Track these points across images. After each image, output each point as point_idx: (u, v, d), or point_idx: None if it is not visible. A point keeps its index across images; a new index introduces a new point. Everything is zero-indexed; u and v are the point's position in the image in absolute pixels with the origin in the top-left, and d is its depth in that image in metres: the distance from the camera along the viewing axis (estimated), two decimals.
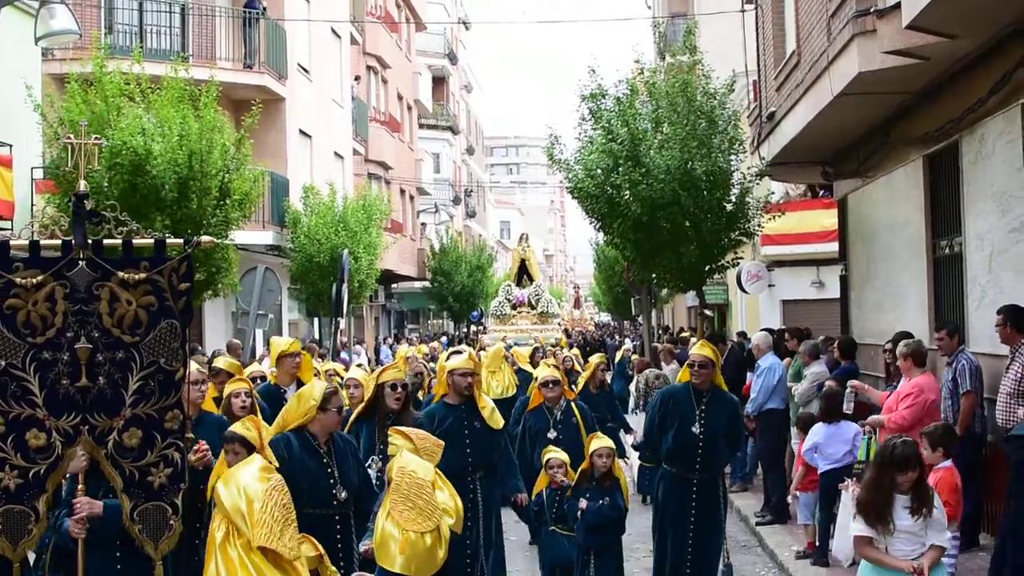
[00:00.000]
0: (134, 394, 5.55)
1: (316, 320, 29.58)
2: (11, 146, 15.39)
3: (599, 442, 8.53)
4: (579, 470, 8.54)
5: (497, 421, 8.89)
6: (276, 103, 24.76)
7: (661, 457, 8.99)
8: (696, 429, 8.66)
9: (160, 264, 5.58)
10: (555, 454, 8.79)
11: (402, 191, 42.20)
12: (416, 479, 5.79)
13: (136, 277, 5.51)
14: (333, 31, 31.22)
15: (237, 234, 17.62)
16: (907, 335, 11.76)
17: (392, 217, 33.21)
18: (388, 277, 36.19)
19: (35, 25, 12.51)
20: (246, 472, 4.78)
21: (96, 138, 6.10)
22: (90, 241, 5.56)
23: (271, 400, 9.74)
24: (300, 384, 9.78)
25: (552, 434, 9.78)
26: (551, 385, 9.98)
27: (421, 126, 49.81)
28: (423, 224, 48.34)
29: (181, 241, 5.76)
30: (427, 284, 45.02)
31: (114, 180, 15.03)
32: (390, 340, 36.02)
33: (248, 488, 4.57)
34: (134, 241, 5.65)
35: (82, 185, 5.76)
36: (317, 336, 28.51)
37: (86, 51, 17.20)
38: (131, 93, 15.86)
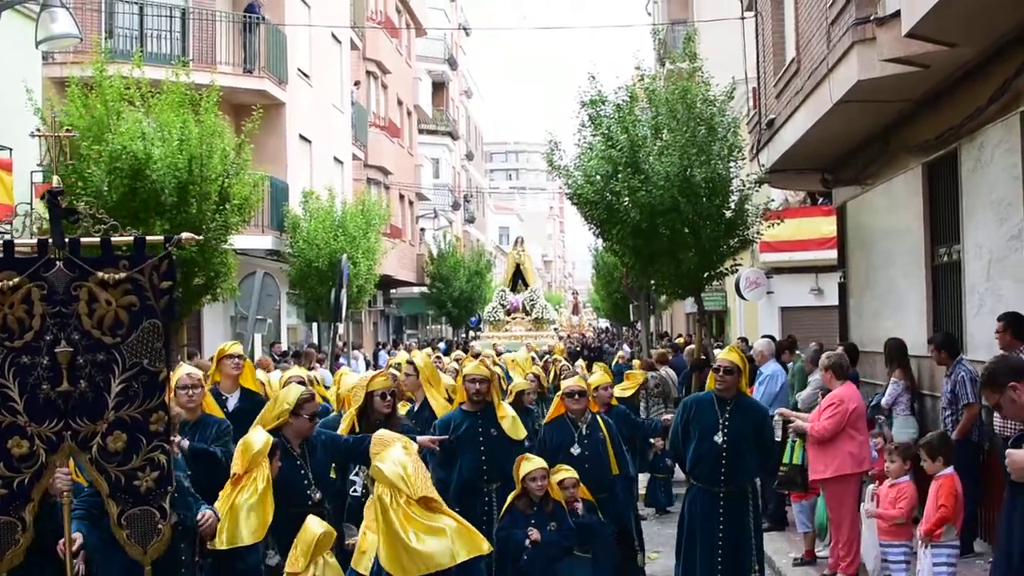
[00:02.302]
0: (117, 397, 5.40)
1: (315, 325, 29.60)
2: (11, 149, 15.39)
3: (530, 464, 7.80)
4: (511, 496, 7.89)
5: (518, 431, 8.70)
6: (276, 108, 24.77)
7: (686, 469, 8.73)
8: (719, 439, 8.38)
9: (140, 262, 5.41)
10: (568, 474, 8.13)
11: (401, 196, 42.20)
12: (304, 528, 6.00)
13: (116, 277, 5.35)
14: (333, 36, 31.25)
15: (236, 239, 17.62)
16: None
17: (391, 222, 33.20)
18: (387, 282, 36.19)
19: (36, 28, 12.54)
20: (395, 450, 5.50)
21: (68, 130, 5.94)
22: (67, 240, 5.40)
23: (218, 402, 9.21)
24: (244, 392, 9.40)
25: (576, 450, 8.85)
26: (577, 396, 9.03)
27: (421, 131, 49.82)
28: (422, 229, 48.34)
29: (161, 238, 5.60)
30: (426, 289, 45.02)
31: (114, 184, 15.04)
32: (388, 346, 36.03)
33: (400, 459, 5.33)
34: (113, 239, 5.48)
35: (55, 181, 5.56)
36: (316, 341, 28.52)
37: (86, 55, 17.20)
38: (131, 97, 15.86)
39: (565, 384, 9.48)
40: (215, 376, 9.58)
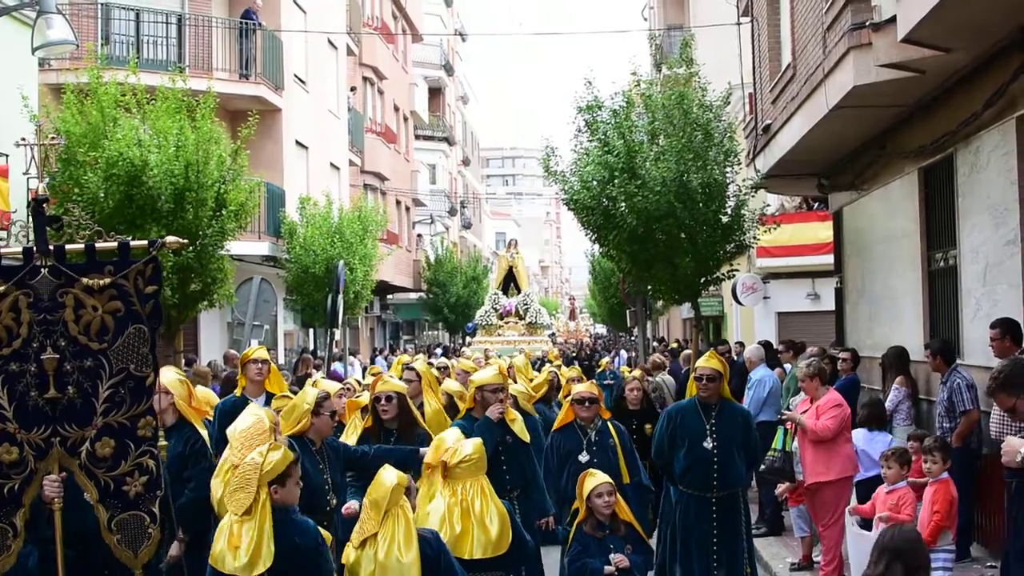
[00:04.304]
0: (105, 402, 5.41)
1: (311, 331, 29.58)
2: (7, 156, 15.37)
3: (594, 479, 7.20)
4: (576, 520, 7.32)
5: (526, 434, 8.56)
6: (272, 114, 24.76)
7: (674, 478, 8.71)
8: (708, 444, 8.40)
9: (125, 268, 5.42)
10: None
11: (398, 202, 42.21)
12: (378, 482, 5.77)
13: (101, 283, 5.36)
14: (330, 42, 31.26)
15: (233, 245, 17.60)
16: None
17: (388, 228, 33.16)
18: (383, 288, 36.17)
19: (32, 35, 12.52)
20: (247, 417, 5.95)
21: (53, 137, 5.95)
22: (52, 247, 5.40)
23: (237, 412, 9.28)
24: (270, 397, 9.30)
25: (584, 457, 8.64)
26: (587, 403, 8.82)
27: (417, 137, 49.86)
28: (419, 235, 48.36)
29: (145, 243, 5.59)
30: (422, 295, 44.99)
31: (110, 191, 15.02)
32: (384, 351, 35.99)
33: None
34: (97, 245, 5.49)
35: (41, 188, 5.59)
36: (312, 347, 28.50)
37: (83, 61, 17.19)
38: (127, 104, 15.85)
39: (576, 390, 9.25)
40: (241, 382, 9.59)
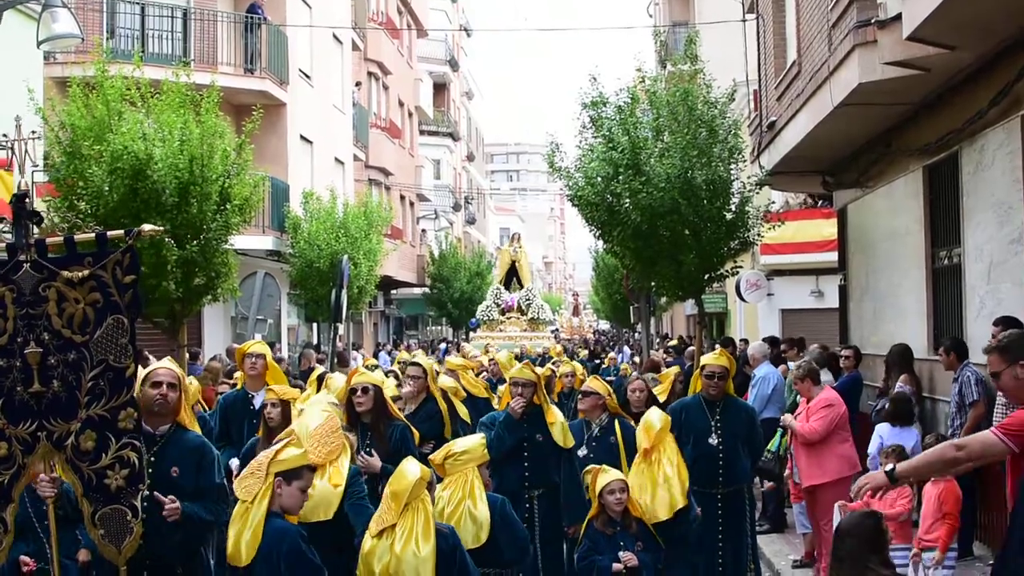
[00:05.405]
0: (87, 395, 5.41)
1: (315, 326, 29.61)
2: (12, 149, 15.38)
3: (607, 476, 7.04)
4: (588, 515, 7.16)
5: (567, 439, 8.43)
6: (277, 108, 24.77)
7: None
8: (713, 441, 8.44)
9: (103, 258, 5.41)
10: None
11: (402, 197, 42.21)
12: (400, 473, 5.82)
13: (80, 274, 5.36)
14: (335, 37, 31.26)
15: (237, 239, 17.59)
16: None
17: (392, 223, 33.18)
18: (387, 283, 36.18)
19: (37, 28, 12.54)
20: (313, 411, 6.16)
21: (33, 133, 5.97)
22: (33, 241, 5.42)
23: (239, 406, 9.40)
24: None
25: (583, 451, 8.58)
26: (581, 396, 8.94)
27: (422, 132, 49.83)
28: (423, 230, 48.34)
29: (122, 232, 5.58)
30: (426, 290, 45.00)
31: (114, 185, 15.01)
32: (388, 346, 36.00)
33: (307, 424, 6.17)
34: (77, 237, 5.52)
35: (22, 184, 5.64)
36: (316, 342, 28.53)
37: (88, 55, 17.19)
38: (132, 98, 15.84)
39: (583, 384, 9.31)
40: (241, 376, 9.61)
